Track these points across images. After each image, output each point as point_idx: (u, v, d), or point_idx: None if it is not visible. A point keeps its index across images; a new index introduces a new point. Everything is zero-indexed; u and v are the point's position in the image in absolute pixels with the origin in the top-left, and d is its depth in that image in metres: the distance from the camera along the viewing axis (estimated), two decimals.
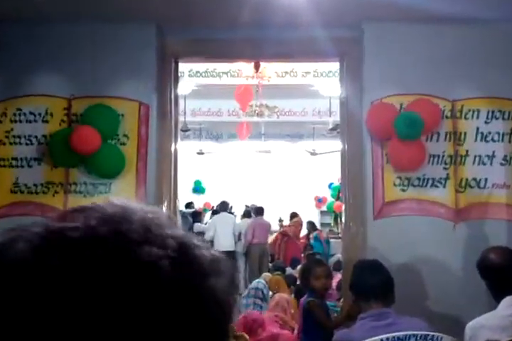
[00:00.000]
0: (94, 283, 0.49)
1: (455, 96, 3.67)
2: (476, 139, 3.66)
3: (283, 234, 10.47)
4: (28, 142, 3.71)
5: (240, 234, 9.76)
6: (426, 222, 3.61)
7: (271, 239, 10.69)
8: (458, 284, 3.54)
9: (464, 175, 3.65)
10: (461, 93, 3.67)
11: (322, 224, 14.08)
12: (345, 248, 3.86)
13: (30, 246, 0.51)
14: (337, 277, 5.33)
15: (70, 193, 3.67)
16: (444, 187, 3.64)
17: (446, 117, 3.68)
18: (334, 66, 5.97)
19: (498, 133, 3.66)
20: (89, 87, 3.70)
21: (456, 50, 3.67)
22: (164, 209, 3.69)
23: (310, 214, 13.44)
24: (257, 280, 6.13)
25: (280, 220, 11.24)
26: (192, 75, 7.87)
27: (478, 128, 3.67)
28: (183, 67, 7.01)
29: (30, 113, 3.71)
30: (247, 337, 3.75)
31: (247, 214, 10.61)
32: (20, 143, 3.70)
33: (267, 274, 6.92)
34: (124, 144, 3.69)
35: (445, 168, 3.65)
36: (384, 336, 2.48)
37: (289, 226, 10.80)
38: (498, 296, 2.55)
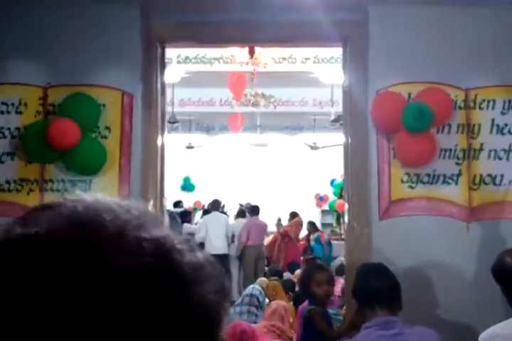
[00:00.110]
0: (54, 298, 0.48)
1: (468, 84, 3.68)
2: (491, 131, 3.67)
3: (283, 234, 10.47)
4: (0, 135, 3.70)
5: (233, 235, 9.77)
6: (436, 222, 3.62)
7: (267, 240, 10.70)
8: (471, 290, 3.55)
9: (478, 170, 3.65)
10: (475, 81, 3.68)
11: (323, 225, 14.13)
12: (349, 250, 3.87)
13: None
14: (340, 282, 5.34)
15: (46, 191, 3.66)
16: (457, 184, 3.65)
17: (459, 108, 3.68)
18: (336, 51, 5.98)
19: None
20: (67, 75, 3.69)
21: (470, 34, 3.67)
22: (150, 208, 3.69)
23: (310, 213, 13.48)
24: (251, 286, 6.14)
25: (279, 220, 11.24)
26: (180, 62, 7.86)
27: (493, 120, 3.67)
28: (171, 52, 7.00)
29: (3, 103, 3.70)
30: None
31: (241, 214, 10.61)
32: None
33: (263, 279, 6.94)
34: (105, 137, 3.68)
35: (457, 163, 3.66)
36: None
37: (290, 226, 10.80)
38: None
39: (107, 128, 3.69)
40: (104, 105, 3.69)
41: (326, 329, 3.44)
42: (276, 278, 6.94)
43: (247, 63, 7.49)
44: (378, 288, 2.74)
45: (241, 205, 12.07)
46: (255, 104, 9.30)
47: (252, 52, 7.08)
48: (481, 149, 3.66)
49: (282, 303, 5.52)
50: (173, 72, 7.62)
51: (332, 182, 14.12)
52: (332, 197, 13.93)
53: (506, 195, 3.64)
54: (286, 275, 7.98)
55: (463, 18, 3.68)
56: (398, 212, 3.64)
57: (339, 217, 11.56)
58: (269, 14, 3.74)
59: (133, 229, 0.54)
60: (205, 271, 0.56)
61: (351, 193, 3.79)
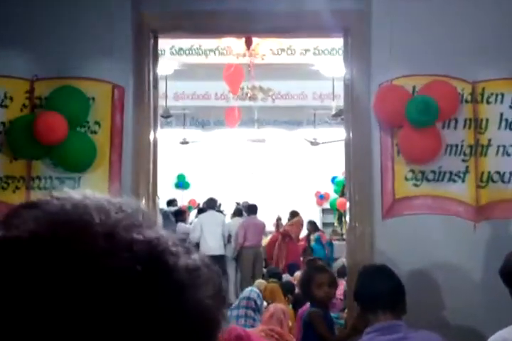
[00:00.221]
0: (35, 306, 0.48)
1: (475, 77, 3.67)
2: (499, 127, 3.67)
3: (284, 234, 10.46)
4: None
5: (229, 235, 9.78)
6: (442, 221, 3.62)
7: (266, 240, 10.71)
8: (478, 292, 3.55)
9: (486, 167, 3.66)
10: (483, 74, 3.67)
11: (324, 224, 14.17)
12: (350, 251, 3.87)
13: None
14: (342, 284, 5.35)
15: (33, 189, 3.66)
16: (463, 181, 3.65)
17: (466, 101, 3.68)
18: (338, 43, 5.97)
19: None
20: (54, 67, 3.68)
21: (477, 24, 3.67)
22: None
23: (310, 212, 13.49)
24: (249, 288, 6.14)
25: (278, 219, 11.27)
26: (174, 53, 7.84)
27: (502, 114, 3.67)
28: (164, 43, 6.97)
29: None
30: None
31: (238, 213, 10.63)
32: None
33: (260, 281, 6.94)
34: (95, 133, 3.67)
35: (464, 160, 3.66)
36: None
37: (291, 225, 10.80)
38: None
39: (97, 122, 3.68)
40: (93, 99, 3.68)
41: (326, 334, 3.45)
42: (274, 280, 6.93)
43: (244, 55, 7.47)
44: (381, 290, 2.74)
45: (238, 204, 12.08)
46: (252, 98, 9.30)
47: (249, 43, 7.07)
48: (488, 145, 3.66)
49: (281, 306, 5.52)
50: (166, 64, 7.61)
51: (333, 179, 14.14)
52: (333, 195, 13.96)
53: None
54: (286, 277, 7.98)
55: (470, 7, 3.67)
56: (402, 211, 3.64)
57: (341, 216, 11.57)
58: (266, 3, 3.73)
59: (124, 230, 0.53)
60: (201, 274, 0.55)
61: (353, 191, 3.79)
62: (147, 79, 3.83)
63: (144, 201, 3.73)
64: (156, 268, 0.52)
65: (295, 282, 6.91)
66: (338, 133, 7.89)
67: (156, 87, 3.98)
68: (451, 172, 3.65)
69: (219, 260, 8.80)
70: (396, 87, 3.67)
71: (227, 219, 10.60)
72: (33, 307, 0.48)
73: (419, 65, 3.67)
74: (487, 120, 3.67)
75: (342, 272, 6.29)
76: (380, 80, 3.68)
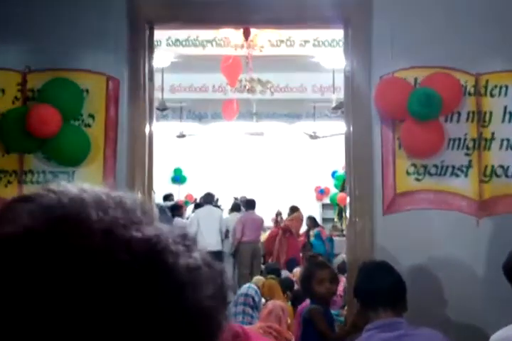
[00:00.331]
0: (30, 305, 0.47)
1: (479, 69, 3.67)
2: (503, 120, 3.67)
3: (284, 229, 10.46)
4: None
5: (227, 230, 9.80)
6: (444, 216, 3.63)
7: (264, 236, 10.72)
8: (481, 289, 3.56)
9: (490, 161, 3.66)
10: (486, 66, 3.67)
11: (324, 220, 14.19)
12: (350, 247, 3.87)
13: None
14: (342, 281, 5.35)
15: (26, 184, 3.65)
16: (466, 176, 3.65)
17: (469, 94, 3.68)
18: (338, 34, 5.95)
19: None
20: (47, 59, 3.67)
21: (481, 14, 3.66)
22: None
23: (310, 207, 13.51)
24: (247, 285, 6.15)
25: (278, 214, 11.27)
26: (170, 44, 7.82)
27: (506, 107, 3.67)
28: (160, 34, 6.96)
29: None
30: None
31: (235, 208, 10.65)
32: None
33: (259, 278, 6.95)
34: (89, 126, 3.67)
35: (467, 154, 3.66)
36: None
37: (290, 220, 10.80)
38: None
39: (91, 115, 3.68)
40: (87, 91, 3.67)
41: (326, 330, 3.45)
42: (273, 276, 6.94)
43: (242, 46, 7.46)
44: (381, 287, 2.75)
45: (236, 199, 12.09)
46: (251, 90, 9.29)
47: (247, 35, 7.06)
48: (492, 139, 3.66)
49: (279, 303, 5.53)
50: (162, 56, 7.60)
51: (333, 174, 14.15)
52: (333, 190, 13.98)
53: None
54: (284, 273, 8.00)
55: None
56: (403, 206, 3.64)
57: (341, 212, 11.59)
58: None
59: (122, 227, 0.52)
60: (201, 274, 0.54)
61: (353, 186, 3.79)
62: (142, 70, 3.82)
63: (139, 195, 3.73)
64: (154, 268, 0.51)
65: (294, 278, 6.93)
66: (338, 127, 7.89)
67: (151, 79, 3.97)
68: (453, 167, 3.65)
69: (216, 256, 8.77)
70: (397, 79, 3.67)
71: (225, 214, 10.60)
72: (29, 307, 0.47)
73: (421, 56, 3.66)
74: (491, 113, 3.67)
75: (342, 268, 6.30)
76: (382, 72, 3.67)
